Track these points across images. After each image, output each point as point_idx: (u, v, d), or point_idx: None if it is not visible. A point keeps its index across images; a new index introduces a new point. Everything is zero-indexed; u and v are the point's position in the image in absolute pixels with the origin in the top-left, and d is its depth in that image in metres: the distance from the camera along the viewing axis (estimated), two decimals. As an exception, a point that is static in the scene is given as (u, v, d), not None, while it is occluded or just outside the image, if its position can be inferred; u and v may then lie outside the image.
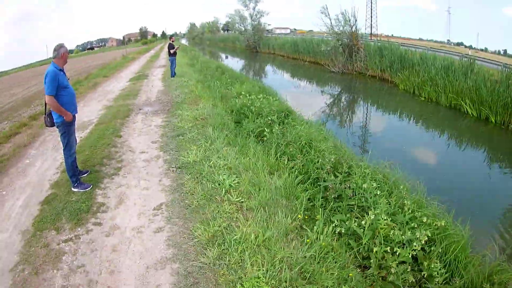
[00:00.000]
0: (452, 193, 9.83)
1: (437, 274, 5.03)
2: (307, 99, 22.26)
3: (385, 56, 28.36)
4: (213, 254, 5.28)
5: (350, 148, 10.58)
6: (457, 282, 5.11)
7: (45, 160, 8.94)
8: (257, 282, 4.76)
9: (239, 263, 5.13)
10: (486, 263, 5.75)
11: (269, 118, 11.18)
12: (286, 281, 4.82)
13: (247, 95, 14.43)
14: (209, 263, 5.17)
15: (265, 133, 9.86)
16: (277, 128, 9.81)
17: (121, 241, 5.83)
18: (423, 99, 21.37)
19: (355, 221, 5.92)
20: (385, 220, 5.59)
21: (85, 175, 7.87)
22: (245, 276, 4.88)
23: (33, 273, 5.11)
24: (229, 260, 5.17)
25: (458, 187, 10.92)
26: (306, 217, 6.42)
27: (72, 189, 7.24)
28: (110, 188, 7.42)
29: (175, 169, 8.00)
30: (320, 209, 6.47)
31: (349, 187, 6.79)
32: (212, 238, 5.64)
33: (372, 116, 19.08)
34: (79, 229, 6.07)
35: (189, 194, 6.94)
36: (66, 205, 6.71)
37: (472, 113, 18.40)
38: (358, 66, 31.81)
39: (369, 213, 5.70)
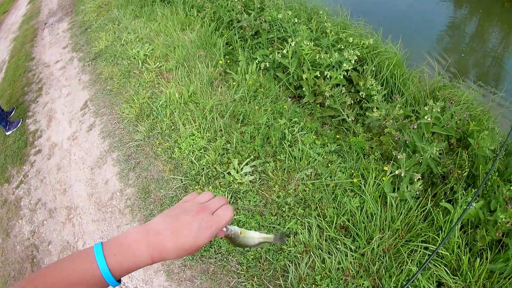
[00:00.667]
0: (378, 14, 9.54)
1: (376, 92, 4.88)
2: None
3: None
4: (145, 128, 5.26)
5: None
6: (398, 99, 5.01)
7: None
8: (192, 139, 4.77)
9: (171, 127, 5.13)
10: (426, 79, 5.77)
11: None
12: (221, 129, 4.83)
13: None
14: (143, 138, 5.17)
15: None
16: None
17: (62, 156, 5.85)
18: None
19: (278, 52, 5.66)
20: (308, 45, 5.31)
21: (13, 113, 7.56)
22: (180, 137, 4.88)
23: (4, 237, 5.18)
24: (161, 128, 5.17)
25: (383, 9, 10.73)
26: (228, 61, 6.28)
27: (6, 133, 7.04)
28: (38, 112, 7.24)
29: (89, 62, 7.67)
30: (240, 49, 6.31)
31: (265, 21, 6.48)
32: (140, 112, 5.58)
33: None
34: (24, 167, 6.08)
35: (108, 79, 6.77)
36: (6, 152, 6.63)
37: None
38: None
39: (289, 41, 5.42)
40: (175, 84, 5.78)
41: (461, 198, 3.76)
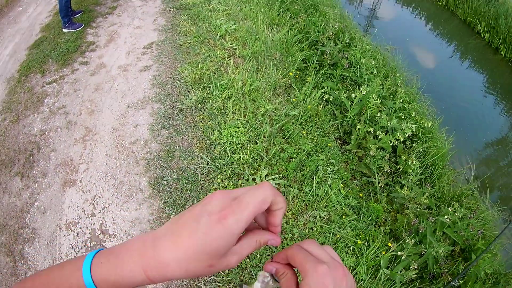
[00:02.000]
0: (446, 102, 9.92)
1: (412, 172, 5.17)
2: None
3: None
4: (197, 97, 5.35)
5: (356, 23, 10.26)
6: (429, 188, 5.28)
7: (39, 5, 8.46)
8: (235, 131, 4.92)
9: (221, 110, 5.24)
10: (460, 182, 6.06)
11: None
12: (264, 136, 4.98)
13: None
14: (191, 106, 5.27)
15: None
16: None
17: (106, 79, 5.89)
18: (440, 4, 20.88)
19: (345, 92, 5.90)
20: (375, 100, 5.61)
21: (78, 15, 7.60)
22: (224, 123, 5.01)
23: (13, 120, 5.24)
24: (211, 105, 5.27)
25: (454, 100, 10.99)
26: (297, 76, 6.45)
27: (63, 29, 7.08)
28: (102, 27, 7.28)
29: (172, 9, 7.75)
30: (313, 72, 6.47)
31: (347, 57, 6.70)
32: (199, 80, 5.67)
33: (383, 4, 18.55)
34: (65, 69, 6.10)
35: (182, 35, 6.84)
36: (54, 47, 6.65)
37: (484, 37, 18.27)
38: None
39: (361, 88, 5.68)
40: (243, 72, 5.86)
41: None
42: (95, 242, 3.97)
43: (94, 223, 4.13)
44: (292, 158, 4.90)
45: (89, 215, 4.20)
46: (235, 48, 6.51)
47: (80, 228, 4.08)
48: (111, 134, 5.03)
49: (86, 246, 3.93)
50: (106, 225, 4.11)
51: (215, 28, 6.95)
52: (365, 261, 4.14)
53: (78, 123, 5.17)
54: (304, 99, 5.81)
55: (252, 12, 7.61)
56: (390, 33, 14.23)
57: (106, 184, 4.49)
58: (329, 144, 5.34)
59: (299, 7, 8.60)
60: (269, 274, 0.74)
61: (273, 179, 4.58)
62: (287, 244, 4.09)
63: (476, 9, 19.10)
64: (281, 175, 4.66)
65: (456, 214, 4.69)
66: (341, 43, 7.15)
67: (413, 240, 4.29)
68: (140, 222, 4.13)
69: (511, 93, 15.95)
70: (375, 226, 4.74)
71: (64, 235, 4.02)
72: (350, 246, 4.30)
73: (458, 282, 4.60)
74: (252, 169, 4.65)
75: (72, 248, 3.92)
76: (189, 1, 7.93)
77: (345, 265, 4.04)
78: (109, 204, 4.29)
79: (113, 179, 4.54)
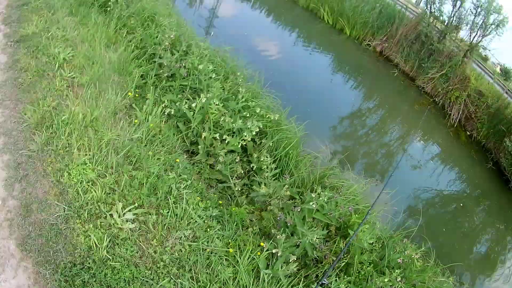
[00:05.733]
0: (292, 91, 10.64)
1: (267, 168, 5.42)
2: None
3: None
4: (41, 139, 5.12)
5: (195, 28, 10.50)
6: (287, 179, 5.59)
7: None
8: (83, 169, 4.80)
9: (66, 148, 5.08)
10: (318, 165, 6.45)
11: (116, -14, 10.50)
12: (112, 167, 4.94)
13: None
14: (37, 150, 5.03)
15: (109, 2, 9.21)
16: None
17: None
18: (282, -5, 22.09)
19: (186, 102, 6.00)
20: (216, 105, 5.77)
21: None
22: (72, 162, 4.86)
23: None
24: (56, 146, 5.08)
25: (299, 88, 11.82)
26: (137, 95, 6.45)
27: None
28: None
29: (13, 43, 7.28)
30: (152, 87, 6.46)
31: (184, 66, 6.80)
32: (42, 120, 5.43)
33: (224, 2, 18.98)
34: None
35: (22, 71, 6.45)
36: None
37: (328, 20, 19.77)
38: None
39: (201, 96, 5.82)
40: (83, 102, 5.74)
41: (332, 283, 4.40)
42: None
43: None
44: (143, 184, 4.91)
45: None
46: (74, 77, 6.36)
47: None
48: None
49: None
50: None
51: (54, 58, 6.71)
52: (243, 267, 4.28)
53: None
54: (146, 118, 5.83)
55: (90, 33, 7.52)
56: (231, 30, 14.83)
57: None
58: (177, 160, 5.40)
59: (136, 21, 8.62)
60: None
61: (129, 210, 4.54)
62: (161, 273, 4.16)
63: (317, -7, 20.59)
64: (136, 204, 4.64)
65: (321, 199, 5.00)
66: (178, 52, 7.26)
67: (284, 235, 4.51)
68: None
69: (358, 67, 17.56)
70: (242, 230, 4.89)
71: None
72: (223, 257, 4.42)
73: (343, 259, 5.05)
74: (107, 205, 4.59)
75: None
76: (29, 31, 7.53)
77: (223, 277, 4.19)
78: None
79: (-18, 251, 4.20)
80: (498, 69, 28.11)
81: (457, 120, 16.45)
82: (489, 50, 21.27)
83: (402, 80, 17.67)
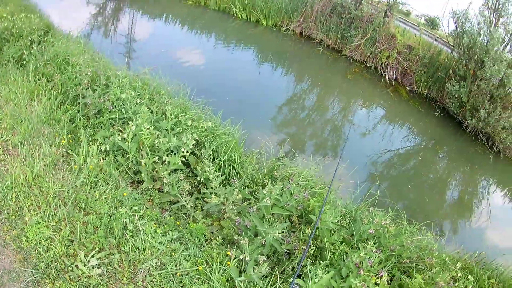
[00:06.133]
0: (222, 94, 10.74)
1: (213, 177, 5.42)
2: (72, 12, 21.00)
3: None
4: None
5: (110, 58, 10.35)
6: (236, 183, 5.65)
7: None
8: (38, 228, 4.74)
9: (17, 213, 5.02)
10: (263, 160, 6.58)
11: (29, 39, 10.17)
12: (64, 219, 4.89)
13: (9, 17, 13.11)
14: None
15: (24, 56, 9.06)
16: (35, 48, 9.08)
17: None
18: (190, 3, 21.92)
19: (118, 135, 5.96)
20: (147, 129, 5.76)
21: None
22: (26, 225, 4.81)
23: None
24: (8, 213, 5.02)
25: (229, 89, 11.97)
26: (71, 141, 6.37)
27: None
28: None
29: None
30: (82, 129, 6.42)
31: (108, 99, 6.78)
32: None
33: (138, 23, 18.64)
34: None
35: None
36: None
37: (241, 16, 20.05)
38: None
39: (130, 124, 5.78)
40: (20, 163, 5.64)
41: (310, 272, 4.40)
42: None
43: None
44: (98, 227, 4.89)
45: None
46: (7, 140, 6.23)
47: None
48: None
49: None
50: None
51: (-16, 129, 6.47)
52: (216, 281, 4.31)
53: None
54: (84, 161, 5.78)
55: (11, 92, 7.35)
56: (151, 50, 14.78)
57: None
58: (124, 194, 5.37)
59: (53, 68, 8.50)
60: None
61: (92, 256, 4.51)
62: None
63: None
64: (97, 249, 4.61)
65: (273, 193, 5.05)
66: (99, 87, 7.22)
67: (246, 238, 4.53)
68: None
69: (282, 53, 17.84)
70: (206, 244, 4.91)
71: None
72: (195, 276, 4.44)
73: (313, 245, 5.11)
74: (70, 258, 4.55)
75: None
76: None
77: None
78: None
79: None
80: (423, 20, 29.07)
81: (394, 78, 16.86)
82: (408, 5, 22.03)
83: (329, 54, 18.04)
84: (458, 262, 5.35)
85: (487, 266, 6.26)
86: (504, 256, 6.81)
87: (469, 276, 5.09)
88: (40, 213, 4.97)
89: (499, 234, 9.43)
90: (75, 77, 7.77)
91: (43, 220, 4.89)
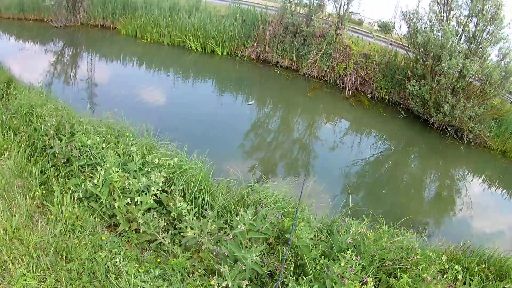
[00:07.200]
0: (186, 129, 11.19)
1: (186, 211, 5.60)
2: (31, 62, 21.31)
3: (108, 3, 28.66)
4: None
5: (73, 105, 10.58)
6: (209, 214, 5.85)
7: None
8: (24, 280, 4.82)
9: (2, 267, 5.07)
10: (233, 188, 6.84)
11: (-9, 95, 10.23)
12: (48, 268, 4.98)
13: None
14: None
15: None
16: (0, 103, 9.32)
17: None
18: (145, 41, 22.52)
19: (89, 181, 6.12)
20: (116, 172, 5.91)
21: None
22: (12, 278, 4.87)
23: None
24: None
25: (192, 123, 12.36)
26: (44, 191, 6.46)
27: None
28: None
29: None
30: (54, 178, 6.59)
31: (75, 147, 6.93)
32: None
33: (97, 67, 19.29)
34: None
35: None
36: None
37: (196, 48, 20.48)
38: (80, 17, 31.33)
39: (99, 169, 5.96)
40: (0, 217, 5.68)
41: None
42: None
43: None
44: (81, 273, 4.99)
45: None
46: None
47: None
48: None
49: None
50: None
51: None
52: None
53: None
54: (59, 210, 5.88)
55: None
56: (112, 92, 14.99)
57: None
58: (102, 238, 5.51)
59: (18, 120, 8.60)
60: None
61: None
62: None
63: (180, 27, 21.21)
64: None
65: (246, 219, 5.27)
66: (65, 136, 7.38)
67: (226, 266, 4.70)
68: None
69: (241, 80, 18.31)
70: (189, 277, 5.07)
71: None
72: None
73: (293, 264, 5.30)
74: None
75: None
76: None
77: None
78: None
79: None
80: (376, 27, 29.84)
81: (354, 88, 17.36)
82: (359, 14, 22.66)
83: (287, 75, 18.67)
84: (443, 255, 5.57)
85: (475, 253, 6.55)
86: (491, 241, 7.07)
87: (456, 266, 5.32)
88: (24, 265, 5.03)
89: (484, 220, 9.78)
90: (41, 128, 7.89)
91: (28, 272, 4.96)
